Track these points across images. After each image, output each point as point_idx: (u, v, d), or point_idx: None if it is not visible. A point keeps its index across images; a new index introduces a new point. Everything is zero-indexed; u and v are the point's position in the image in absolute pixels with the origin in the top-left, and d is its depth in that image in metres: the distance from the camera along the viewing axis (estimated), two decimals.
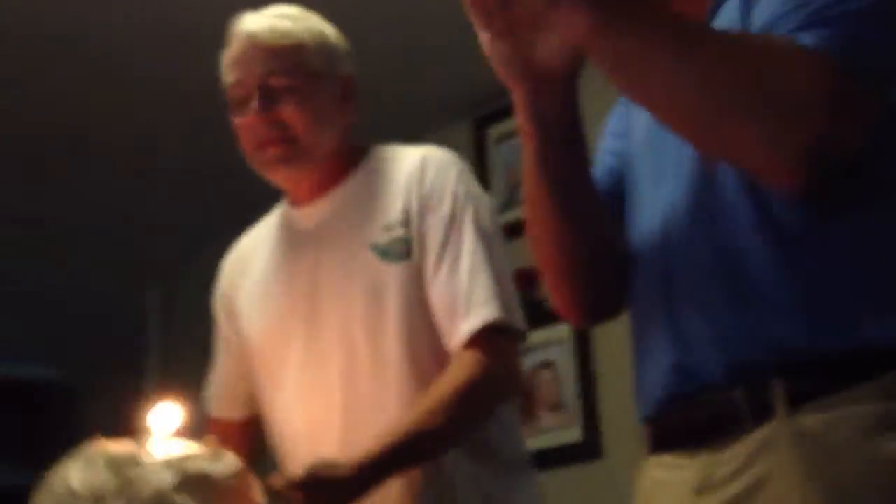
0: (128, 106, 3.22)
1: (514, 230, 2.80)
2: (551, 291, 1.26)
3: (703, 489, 1.04)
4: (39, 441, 5.53)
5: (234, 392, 1.69)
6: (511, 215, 3.07)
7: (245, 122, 1.56)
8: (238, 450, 1.66)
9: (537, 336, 2.89)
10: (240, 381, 1.68)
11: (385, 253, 1.53)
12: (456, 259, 1.51)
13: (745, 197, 1.05)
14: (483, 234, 1.54)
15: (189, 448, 1.19)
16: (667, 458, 1.11)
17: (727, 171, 1.07)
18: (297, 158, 1.55)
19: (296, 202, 1.64)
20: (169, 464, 1.14)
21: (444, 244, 1.52)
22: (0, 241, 4.02)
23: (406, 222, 1.53)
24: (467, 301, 1.48)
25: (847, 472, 0.96)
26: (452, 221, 1.53)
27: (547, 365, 2.93)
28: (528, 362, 2.93)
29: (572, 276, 1.22)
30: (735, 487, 1.02)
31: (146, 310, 4.47)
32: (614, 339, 2.33)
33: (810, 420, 0.99)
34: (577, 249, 1.20)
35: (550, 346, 2.92)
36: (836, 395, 0.98)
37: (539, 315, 2.85)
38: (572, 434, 2.82)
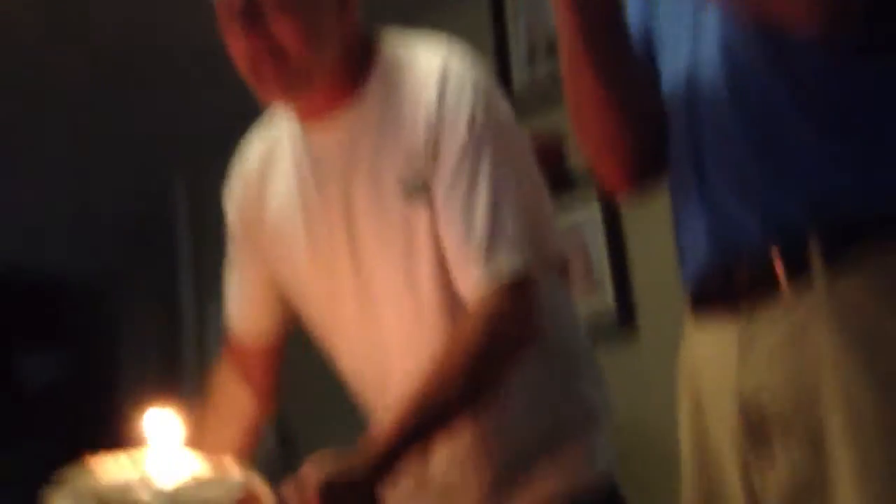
0: None
1: (535, 94, 2.78)
2: (595, 162, 1.26)
3: (744, 348, 1.06)
4: (74, 343, 5.64)
5: (253, 318, 1.60)
6: (533, 72, 3.02)
7: (234, 44, 1.39)
8: (257, 380, 1.61)
9: (566, 211, 2.88)
10: (262, 306, 1.59)
11: (412, 190, 1.41)
12: (472, 194, 1.36)
13: (764, 49, 1.04)
14: (506, 164, 1.39)
15: (190, 467, 1.13)
16: (709, 324, 1.12)
17: (746, 25, 1.05)
18: (296, 84, 1.39)
19: (306, 120, 1.49)
20: (163, 497, 1.09)
21: (458, 176, 1.37)
22: (31, 139, 4.02)
23: (425, 155, 1.40)
24: (487, 246, 1.34)
25: (878, 329, 0.98)
26: (468, 150, 1.37)
27: (577, 240, 2.92)
28: None
29: (617, 145, 1.23)
30: (773, 342, 1.03)
31: (174, 205, 4.48)
32: (644, 210, 2.30)
33: (845, 277, 1.00)
34: (621, 118, 1.20)
35: (580, 220, 2.90)
36: (872, 252, 0.99)
37: (567, 188, 2.85)
38: (604, 308, 2.82)
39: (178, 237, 4.42)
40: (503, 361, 1.37)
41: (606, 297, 2.82)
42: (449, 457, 1.39)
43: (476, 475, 1.45)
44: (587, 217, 2.89)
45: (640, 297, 2.76)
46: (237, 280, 1.61)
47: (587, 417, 1.50)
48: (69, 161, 4.24)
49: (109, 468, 1.13)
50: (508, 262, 1.34)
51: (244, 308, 1.61)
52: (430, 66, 1.44)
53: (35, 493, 1.18)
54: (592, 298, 2.82)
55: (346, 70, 1.45)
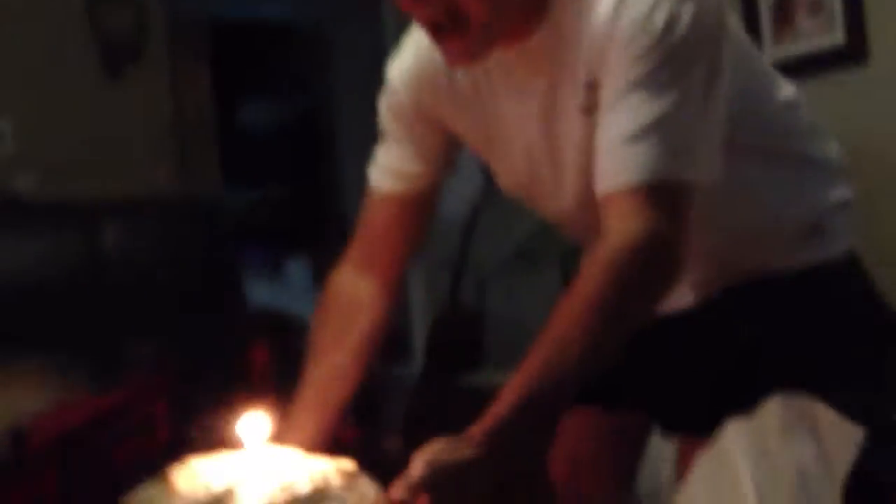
0: None
1: None
2: None
3: None
4: (290, 82, 5.79)
5: (418, 165, 1.49)
6: None
7: (409, 8, 1.27)
8: (393, 258, 1.50)
9: None
10: (429, 155, 1.48)
11: (590, 112, 1.28)
12: (632, 105, 1.21)
13: None
14: (682, 84, 1.21)
15: (287, 476, 0.99)
16: None
17: None
18: (479, 51, 1.29)
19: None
20: None
21: (622, 91, 1.22)
22: None
23: (597, 69, 1.26)
24: (635, 143, 1.19)
25: None
26: (640, 60, 1.21)
27: None
28: None
29: None
30: None
31: None
32: None
33: None
34: None
35: None
36: None
37: None
38: (834, 37, 2.64)
39: None
40: (633, 311, 1.19)
41: (839, 29, 2.64)
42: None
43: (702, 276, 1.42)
44: None
45: (873, 29, 2.56)
46: (399, 137, 1.50)
47: (826, 210, 1.45)
48: None
49: (191, 480, 1.00)
50: (656, 163, 1.19)
51: (407, 157, 1.49)
52: None
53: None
54: (824, 32, 2.65)
55: (528, 8, 1.31)
